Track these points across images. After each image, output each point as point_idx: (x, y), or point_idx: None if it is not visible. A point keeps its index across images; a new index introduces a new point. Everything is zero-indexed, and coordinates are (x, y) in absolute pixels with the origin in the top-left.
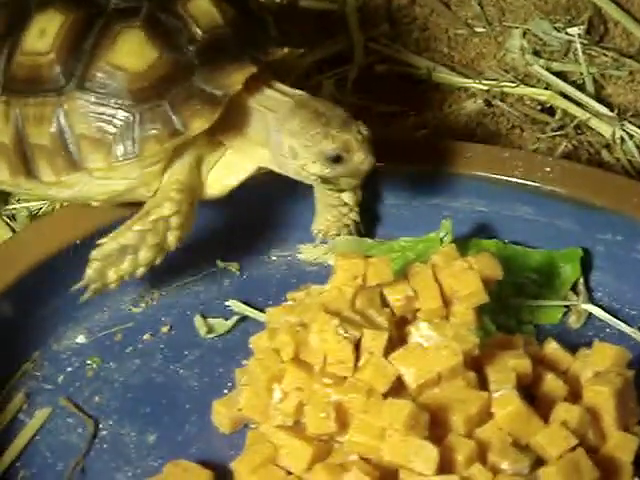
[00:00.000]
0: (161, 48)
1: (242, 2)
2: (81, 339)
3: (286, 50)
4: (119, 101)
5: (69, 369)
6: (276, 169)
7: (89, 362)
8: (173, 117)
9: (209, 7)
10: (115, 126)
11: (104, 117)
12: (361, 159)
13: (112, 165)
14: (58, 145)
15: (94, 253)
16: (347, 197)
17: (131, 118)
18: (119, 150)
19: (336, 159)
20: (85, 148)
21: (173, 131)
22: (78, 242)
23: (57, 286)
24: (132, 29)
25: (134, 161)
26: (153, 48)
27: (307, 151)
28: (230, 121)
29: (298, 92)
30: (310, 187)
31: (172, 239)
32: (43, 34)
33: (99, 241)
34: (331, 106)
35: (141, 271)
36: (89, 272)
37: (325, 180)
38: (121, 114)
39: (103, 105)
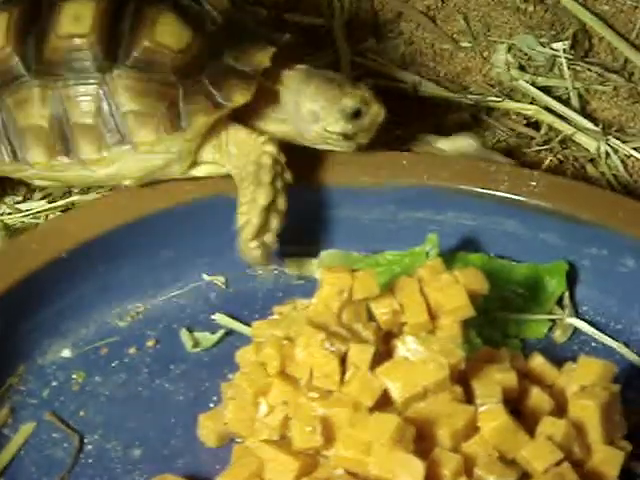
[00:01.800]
0: (193, 29)
1: None
2: (66, 353)
3: (289, 36)
4: (164, 77)
5: (54, 383)
6: (297, 140)
7: (74, 376)
8: (214, 92)
9: None
10: (162, 101)
11: (151, 93)
12: (377, 110)
13: (161, 138)
14: (104, 122)
15: (245, 236)
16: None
17: (176, 93)
18: (168, 123)
19: (356, 114)
20: (133, 123)
21: (217, 104)
22: (64, 255)
23: (43, 300)
24: (165, 12)
25: (183, 134)
26: (187, 29)
27: (328, 111)
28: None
29: (302, 66)
30: (296, 202)
31: (288, 176)
32: (79, 19)
33: (239, 225)
34: (333, 72)
35: (282, 223)
36: (256, 256)
37: (346, 137)
38: (166, 89)
39: (149, 81)
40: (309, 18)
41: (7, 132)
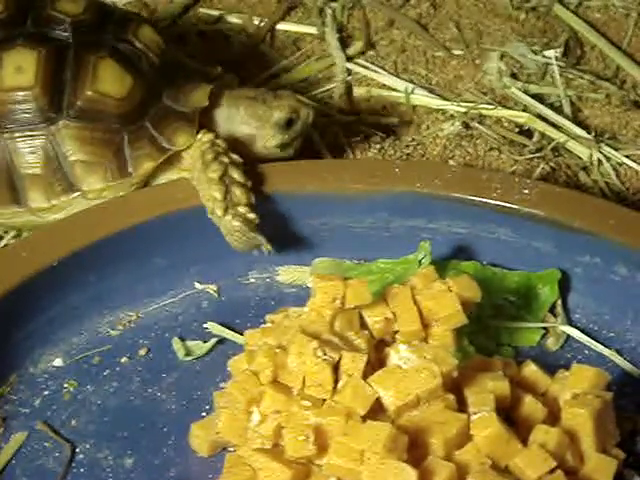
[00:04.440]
0: (133, 74)
1: None
2: (58, 362)
3: (220, 69)
4: (108, 125)
5: (46, 392)
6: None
7: (66, 385)
8: (157, 136)
9: (153, 35)
10: (108, 149)
11: (96, 141)
12: (306, 113)
13: (109, 185)
14: (52, 172)
15: (217, 213)
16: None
17: (121, 139)
18: (115, 171)
19: (289, 123)
20: (81, 172)
21: (161, 148)
22: (55, 264)
23: (34, 309)
24: (104, 59)
25: (129, 179)
26: (127, 74)
27: (263, 130)
28: None
29: (222, 92)
30: (288, 210)
31: (234, 156)
32: (21, 70)
33: (209, 211)
34: (252, 88)
35: (249, 182)
36: (238, 229)
37: (285, 146)
38: (111, 137)
39: (93, 130)
40: (301, 27)
41: None
